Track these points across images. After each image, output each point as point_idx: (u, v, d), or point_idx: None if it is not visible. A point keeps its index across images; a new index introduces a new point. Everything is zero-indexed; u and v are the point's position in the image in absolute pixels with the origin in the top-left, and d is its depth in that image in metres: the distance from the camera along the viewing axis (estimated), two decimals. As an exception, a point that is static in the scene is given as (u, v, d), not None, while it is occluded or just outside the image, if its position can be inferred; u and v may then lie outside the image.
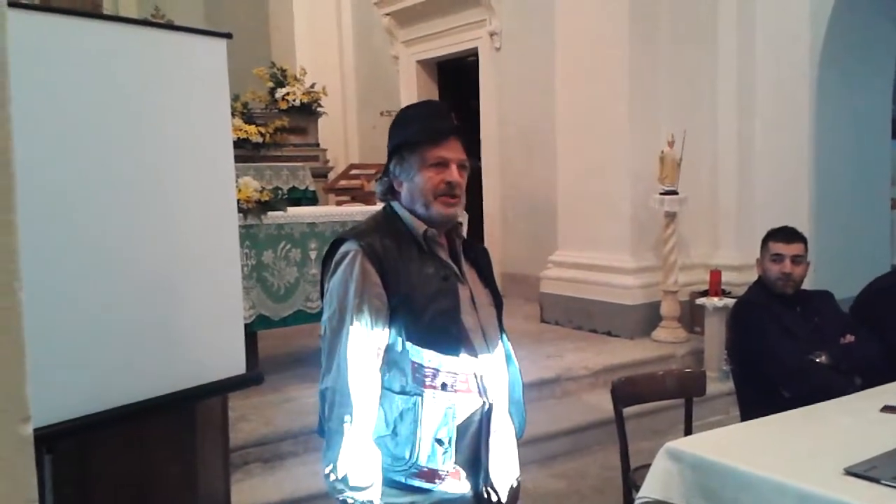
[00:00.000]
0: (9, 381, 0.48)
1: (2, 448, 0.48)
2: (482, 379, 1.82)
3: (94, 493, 2.48)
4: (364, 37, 9.04)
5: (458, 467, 1.78)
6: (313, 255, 4.52)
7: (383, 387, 1.77)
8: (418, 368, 1.76)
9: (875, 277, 3.54)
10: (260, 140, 7.36)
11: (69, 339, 2.10)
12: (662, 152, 5.34)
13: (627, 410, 2.90)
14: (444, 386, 1.77)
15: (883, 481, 1.93)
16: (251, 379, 2.81)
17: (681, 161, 5.30)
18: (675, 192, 5.34)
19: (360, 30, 9.04)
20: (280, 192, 6.39)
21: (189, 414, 2.66)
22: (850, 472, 2.00)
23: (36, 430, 1.77)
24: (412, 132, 1.86)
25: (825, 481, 1.96)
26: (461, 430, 1.78)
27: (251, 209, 4.20)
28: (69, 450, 2.27)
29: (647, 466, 2.38)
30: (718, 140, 5.82)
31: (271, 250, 4.36)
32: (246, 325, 4.13)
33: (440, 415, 1.76)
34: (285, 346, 5.25)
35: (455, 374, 1.78)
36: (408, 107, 2.04)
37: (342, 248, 1.82)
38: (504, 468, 1.91)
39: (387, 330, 1.76)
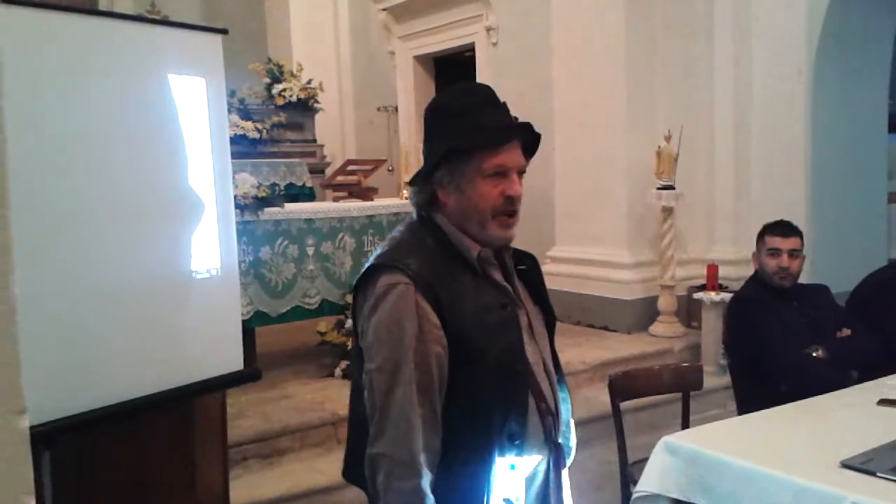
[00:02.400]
0: (4, 374, 0.49)
1: None
2: (548, 420, 1.57)
3: (93, 490, 2.48)
4: (361, 32, 9.02)
5: None
6: (310, 251, 4.52)
7: (444, 442, 1.48)
8: (483, 417, 1.48)
9: (871, 271, 3.55)
10: (257, 136, 7.33)
11: (67, 337, 2.10)
12: (659, 147, 5.34)
13: (625, 405, 2.91)
14: (511, 436, 1.50)
15: (879, 474, 1.95)
16: (249, 375, 2.81)
17: (678, 156, 5.31)
18: (671, 187, 5.35)
19: (357, 25, 9.02)
20: (277, 188, 6.37)
21: (187, 410, 2.66)
22: (846, 464, 2.01)
23: (34, 427, 1.78)
24: (466, 132, 1.49)
25: (822, 474, 1.98)
26: (528, 481, 1.53)
27: (248, 205, 4.20)
28: (68, 447, 2.27)
29: (645, 460, 2.39)
30: (715, 135, 5.81)
31: (269, 246, 4.36)
32: (243, 322, 4.13)
33: (507, 469, 1.50)
34: (283, 342, 5.25)
35: (523, 419, 1.52)
36: (450, 93, 1.62)
37: (384, 279, 1.47)
38: None
39: (447, 379, 1.47)
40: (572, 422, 1.76)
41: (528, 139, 1.57)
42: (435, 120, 1.57)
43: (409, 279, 1.45)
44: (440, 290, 1.46)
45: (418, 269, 1.46)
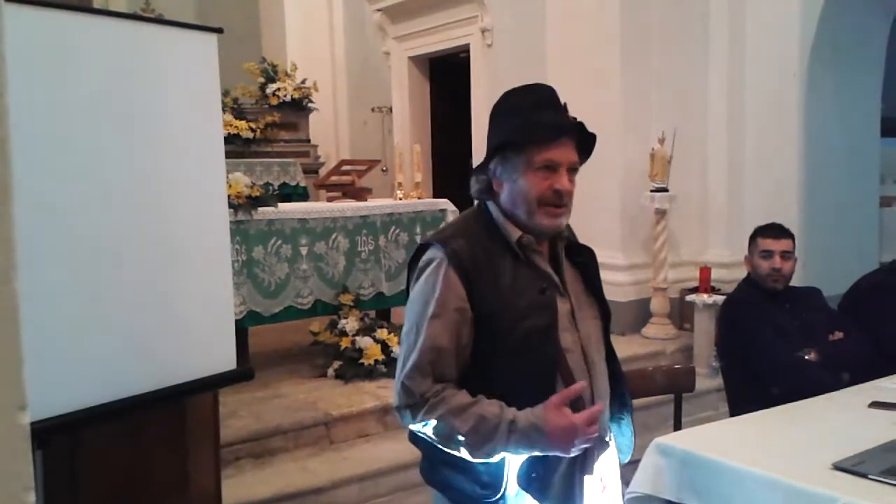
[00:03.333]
0: (5, 370, 0.49)
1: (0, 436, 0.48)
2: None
3: (85, 489, 2.47)
4: (355, 33, 9.01)
5: None
6: (304, 250, 4.51)
7: None
8: (507, 396, 1.56)
9: (863, 274, 3.57)
10: (250, 136, 7.32)
11: (59, 336, 2.09)
12: (653, 149, 5.35)
13: (615, 407, 2.90)
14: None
15: (871, 476, 1.95)
16: (242, 374, 2.80)
17: (671, 158, 5.32)
18: (665, 190, 5.36)
19: (352, 26, 9.01)
20: (271, 187, 6.36)
21: (180, 409, 2.66)
22: (838, 467, 2.02)
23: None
24: (516, 128, 1.61)
25: (813, 476, 1.98)
26: (552, 465, 1.57)
27: (242, 205, 4.19)
28: (61, 446, 2.26)
29: (637, 462, 2.39)
30: (709, 138, 5.83)
31: (262, 246, 4.35)
32: (236, 321, 4.12)
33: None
34: (276, 342, 5.25)
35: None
36: (512, 92, 1.72)
37: (426, 255, 1.63)
38: None
39: (467, 350, 1.58)
40: (630, 420, 1.81)
41: (584, 139, 1.68)
42: (497, 116, 1.68)
43: (444, 255, 1.58)
44: (473, 268, 1.57)
45: (457, 247, 1.59)
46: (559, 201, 1.61)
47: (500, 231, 1.64)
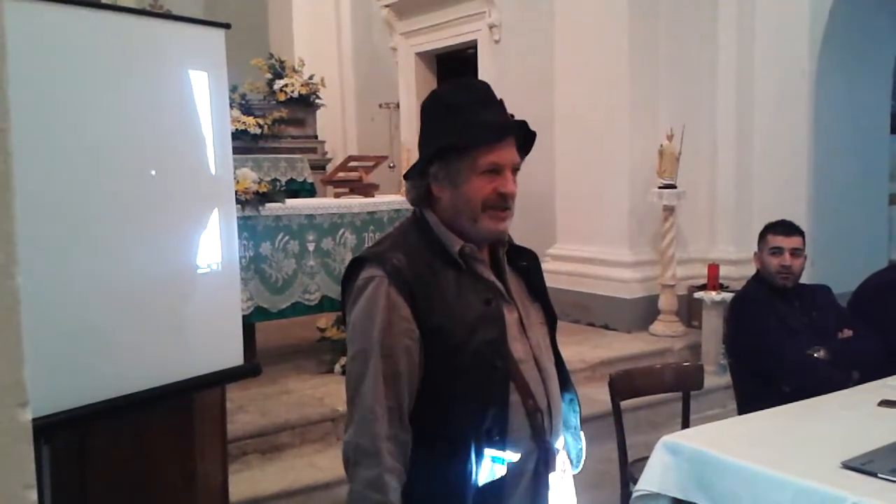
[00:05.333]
0: (6, 367, 0.48)
1: (0, 433, 0.48)
2: (536, 418, 1.54)
3: (93, 484, 2.48)
4: (362, 28, 9.01)
5: None
6: (311, 246, 4.52)
7: (420, 431, 1.49)
8: (459, 413, 1.49)
9: (873, 272, 3.55)
10: (258, 131, 7.34)
11: (67, 331, 2.10)
12: (661, 146, 5.34)
13: (625, 403, 2.90)
14: (489, 432, 1.48)
15: (880, 475, 1.95)
16: (249, 370, 2.80)
17: (679, 155, 5.30)
18: (673, 186, 5.34)
19: (359, 21, 9.01)
20: (278, 183, 6.38)
21: (187, 405, 2.66)
22: (847, 465, 2.01)
23: (34, 420, 1.76)
24: (460, 129, 1.50)
25: (822, 475, 1.97)
26: (513, 480, 1.51)
27: (249, 200, 4.19)
28: (69, 441, 2.27)
29: (645, 459, 2.39)
30: (717, 134, 5.81)
31: (269, 242, 4.36)
32: (243, 317, 4.12)
33: (489, 464, 1.48)
34: (283, 337, 5.26)
35: (502, 416, 1.49)
36: (449, 89, 1.63)
37: (363, 274, 1.51)
38: None
39: (419, 372, 1.48)
40: (579, 425, 1.71)
41: (523, 137, 1.58)
42: (431, 115, 1.58)
43: (384, 273, 1.48)
44: (416, 284, 1.48)
45: (396, 263, 1.48)
46: (504, 204, 1.52)
47: (439, 241, 1.54)
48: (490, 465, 1.49)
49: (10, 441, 0.48)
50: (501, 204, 1.52)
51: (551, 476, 1.58)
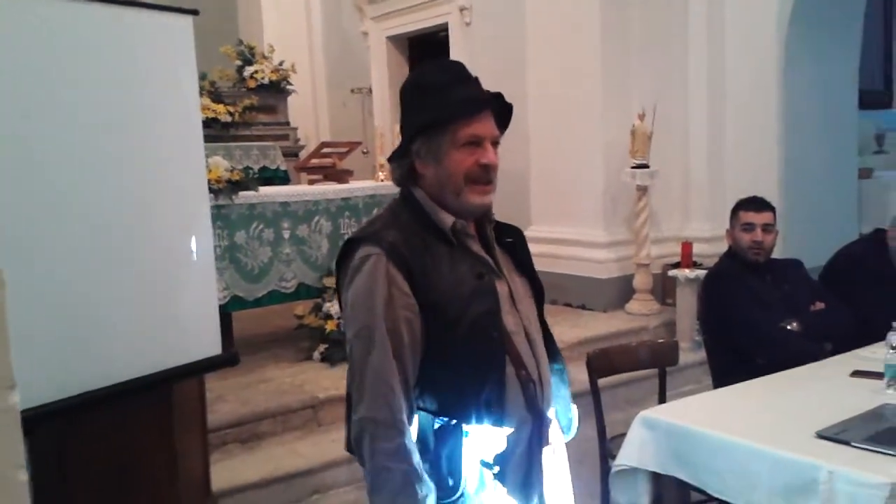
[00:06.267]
0: (-7, 353, 0.49)
1: None
2: (529, 388, 1.58)
3: (73, 476, 2.46)
4: (332, 13, 8.93)
5: (509, 496, 1.54)
6: (286, 234, 4.50)
7: (420, 407, 1.54)
8: (458, 385, 1.52)
9: (843, 246, 3.60)
10: (229, 119, 7.27)
11: (44, 326, 2.08)
12: (633, 126, 5.36)
13: (602, 381, 2.93)
14: (488, 403, 1.52)
15: (853, 443, 1.99)
16: (227, 359, 2.80)
17: (651, 134, 5.33)
18: (646, 166, 5.37)
19: (329, 6, 8.93)
20: (251, 171, 6.33)
21: (166, 395, 2.64)
22: (821, 435, 2.05)
23: (10, 414, 1.75)
24: (439, 105, 1.55)
25: (797, 445, 2.01)
26: (510, 450, 1.54)
27: (222, 189, 4.15)
28: (47, 434, 2.25)
29: (623, 435, 2.42)
30: (689, 113, 5.85)
31: (244, 231, 4.33)
32: (220, 307, 4.10)
33: (486, 436, 1.53)
34: (261, 326, 5.24)
35: (500, 387, 1.54)
36: (425, 70, 1.67)
37: (360, 252, 1.54)
38: (559, 486, 1.69)
39: (420, 344, 1.51)
40: (569, 394, 1.77)
41: (501, 110, 1.62)
42: (410, 96, 1.62)
43: (381, 250, 1.51)
44: (412, 260, 1.51)
45: (392, 240, 1.52)
46: (487, 176, 1.56)
47: (430, 218, 1.58)
48: (489, 437, 1.52)
49: (1, 424, 0.49)
50: (484, 177, 1.56)
51: (545, 446, 1.62)
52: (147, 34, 2.41)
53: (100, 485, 2.50)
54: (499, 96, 1.59)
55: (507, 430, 1.54)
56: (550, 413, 1.66)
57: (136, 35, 2.37)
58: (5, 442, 0.48)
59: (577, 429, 1.80)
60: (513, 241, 1.71)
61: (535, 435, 1.59)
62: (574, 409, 1.79)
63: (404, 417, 1.47)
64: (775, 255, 3.25)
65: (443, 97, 1.55)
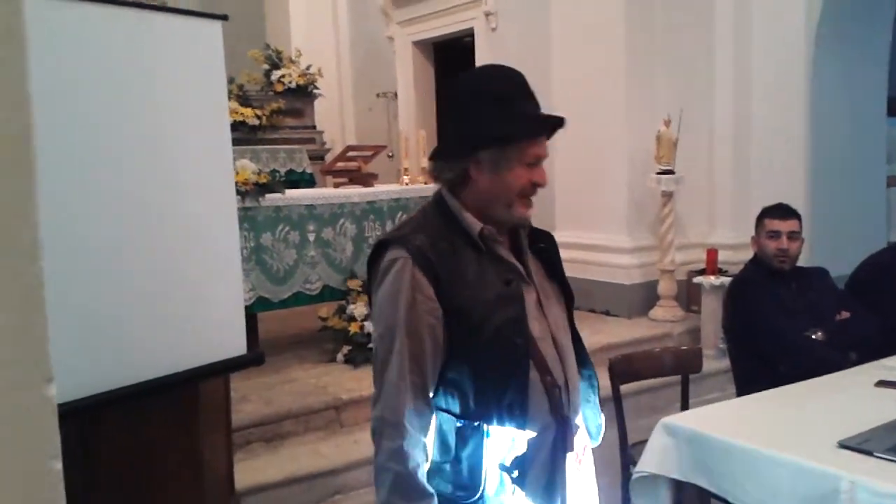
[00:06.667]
0: (33, 345, 0.52)
1: (28, 407, 0.52)
2: (555, 394, 1.60)
3: (98, 474, 2.50)
4: (359, 18, 8.99)
5: (529, 500, 1.56)
6: (312, 237, 4.54)
7: (442, 408, 1.57)
8: (481, 389, 1.55)
9: (870, 254, 3.57)
10: (256, 123, 7.34)
11: (71, 323, 2.12)
12: (659, 132, 5.34)
13: (625, 388, 2.93)
14: (510, 407, 1.54)
15: (876, 454, 1.97)
16: (252, 359, 2.83)
17: (677, 140, 5.31)
18: (671, 172, 5.35)
19: (356, 11, 8.99)
20: (277, 174, 6.39)
21: (192, 394, 2.68)
22: (843, 445, 2.04)
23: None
24: (514, 120, 1.55)
25: (819, 454, 2.00)
26: (532, 454, 1.56)
27: (249, 192, 4.21)
28: (74, 432, 2.29)
29: (645, 442, 2.41)
30: (715, 119, 5.81)
31: (270, 233, 4.38)
32: (246, 307, 4.15)
33: (508, 439, 1.54)
34: (286, 328, 5.29)
35: (523, 391, 1.55)
36: (487, 76, 1.67)
37: (388, 255, 1.57)
38: (584, 493, 1.71)
39: (442, 349, 1.54)
40: (597, 400, 1.78)
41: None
42: (472, 102, 1.60)
43: (408, 253, 1.53)
44: (439, 264, 1.53)
45: (419, 244, 1.54)
46: (534, 193, 1.61)
47: (459, 223, 1.60)
48: (511, 441, 1.54)
49: (38, 414, 0.52)
50: (532, 193, 1.60)
51: (569, 452, 1.63)
52: (177, 39, 2.46)
53: (124, 482, 2.54)
54: (563, 119, 1.62)
55: (530, 434, 1.55)
56: (578, 419, 1.68)
57: (167, 40, 2.42)
58: (42, 433, 0.52)
59: (603, 435, 1.82)
60: (545, 247, 1.73)
61: (559, 440, 1.60)
62: (602, 415, 1.81)
63: (410, 421, 1.50)
64: (802, 263, 3.23)
65: (513, 110, 1.56)
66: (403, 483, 1.50)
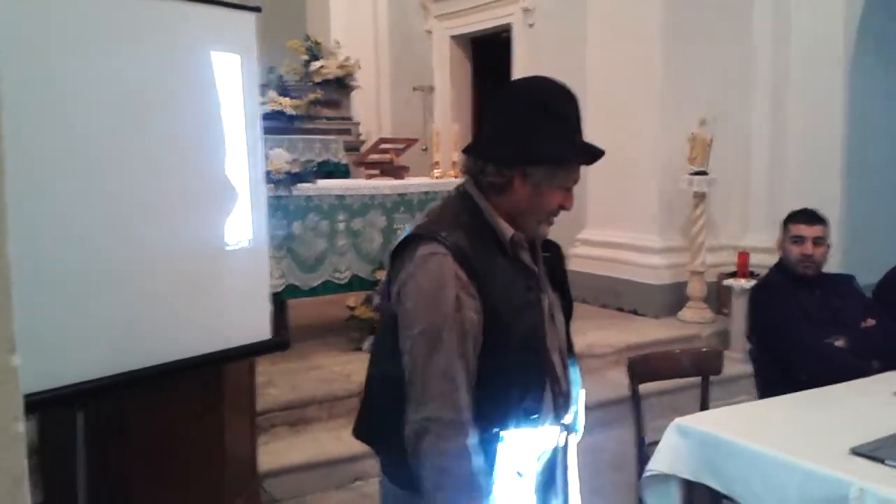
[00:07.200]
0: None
1: None
2: (559, 401, 1.64)
3: (126, 451, 2.59)
4: (398, 11, 9.04)
5: (532, 499, 1.59)
6: (341, 227, 4.61)
7: None
8: (502, 393, 1.54)
9: (898, 261, 3.51)
10: (294, 112, 7.41)
11: (102, 303, 2.20)
12: (693, 133, 5.31)
13: (648, 388, 2.93)
14: (527, 411, 1.56)
15: (888, 462, 1.97)
16: (276, 344, 2.88)
17: (711, 141, 5.28)
18: (704, 173, 5.32)
19: (395, 4, 9.03)
20: (312, 164, 6.47)
21: (218, 378, 2.75)
22: (856, 451, 2.03)
23: (67, 386, 1.88)
24: (572, 141, 1.56)
25: (831, 460, 2.00)
26: (536, 455, 1.60)
27: (281, 180, 4.28)
28: (103, 411, 2.37)
29: (657, 443, 2.42)
30: (750, 121, 5.77)
31: (300, 221, 4.45)
32: (276, 294, 4.24)
33: (521, 444, 1.56)
34: (315, 315, 5.37)
35: (539, 396, 1.58)
36: (547, 90, 1.60)
37: (422, 250, 1.52)
38: (576, 495, 1.75)
39: (480, 344, 1.52)
40: (582, 403, 1.80)
41: None
42: (536, 116, 1.56)
43: (447, 250, 1.50)
44: (476, 262, 1.52)
45: (455, 241, 1.51)
46: (557, 215, 1.63)
47: (489, 225, 1.58)
48: (521, 442, 1.56)
49: (1, 380, 0.56)
50: (557, 214, 1.62)
51: (570, 451, 1.70)
52: (213, 29, 2.52)
53: (151, 456, 2.62)
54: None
55: (539, 437, 1.60)
56: (568, 419, 1.71)
57: (203, 30, 2.48)
58: (4, 399, 0.57)
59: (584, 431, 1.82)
60: (550, 255, 1.74)
61: (559, 442, 1.66)
62: (582, 416, 1.80)
63: (469, 418, 1.47)
64: (835, 268, 3.19)
65: (572, 133, 1.56)
66: (470, 482, 1.45)
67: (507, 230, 1.58)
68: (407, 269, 1.53)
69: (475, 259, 1.51)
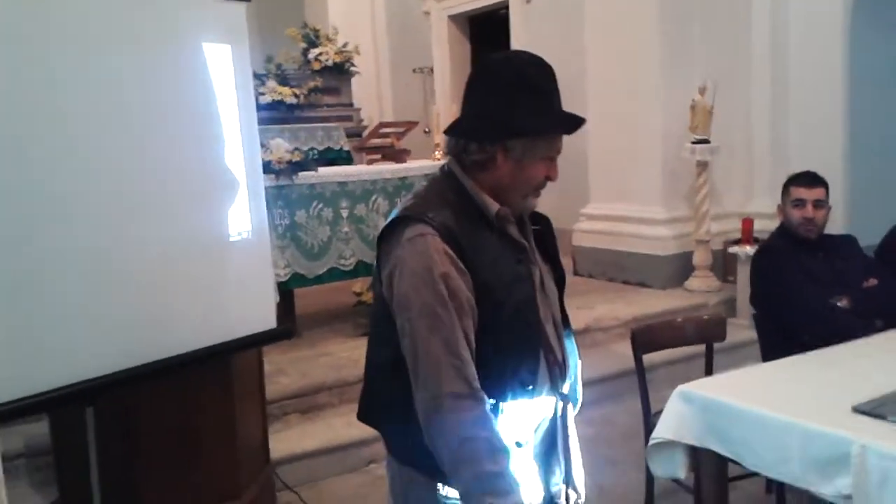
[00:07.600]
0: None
1: None
2: (555, 371, 1.65)
3: (138, 444, 2.63)
4: (396, -7, 9.01)
5: (532, 469, 1.61)
6: (345, 213, 4.63)
7: None
8: (498, 366, 1.55)
9: (899, 221, 3.50)
10: (294, 101, 7.40)
11: (109, 298, 2.23)
12: (694, 101, 5.29)
13: (656, 359, 2.94)
14: (522, 382, 1.57)
15: (890, 418, 1.98)
16: (282, 333, 2.93)
17: (712, 109, 5.25)
18: (707, 141, 5.30)
19: (391, -14, 9.01)
20: (313, 152, 6.47)
21: (226, 367, 2.79)
22: (857, 409, 2.04)
23: (77, 384, 1.92)
24: (549, 113, 1.56)
25: (832, 418, 2.01)
26: (534, 426, 1.63)
27: (283, 169, 4.30)
28: (112, 403, 2.41)
29: (661, 411, 2.44)
30: (751, 87, 5.73)
31: (304, 210, 4.47)
32: (282, 283, 4.28)
33: (518, 415, 1.58)
34: (322, 302, 5.40)
35: (534, 367, 1.59)
36: (524, 64, 1.59)
37: (409, 231, 1.52)
38: (578, 464, 1.76)
39: (477, 319, 1.53)
40: (580, 374, 1.82)
41: None
42: (514, 90, 1.56)
43: (433, 230, 1.50)
44: (464, 241, 1.52)
45: (444, 220, 1.52)
46: (544, 187, 1.63)
47: (474, 202, 1.59)
48: (521, 415, 1.58)
49: None
50: (543, 186, 1.63)
51: (569, 420, 1.71)
52: (204, 19, 2.53)
53: (162, 450, 2.67)
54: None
55: (536, 408, 1.62)
56: (566, 388, 1.72)
57: (194, 20, 2.49)
58: None
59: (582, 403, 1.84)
60: (540, 229, 1.75)
61: (557, 415, 1.68)
62: (580, 386, 1.82)
63: (479, 386, 1.48)
64: (839, 229, 3.18)
65: (551, 105, 1.57)
66: (493, 447, 1.46)
67: (493, 205, 1.59)
68: (395, 252, 1.53)
69: (463, 237, 1.52)
